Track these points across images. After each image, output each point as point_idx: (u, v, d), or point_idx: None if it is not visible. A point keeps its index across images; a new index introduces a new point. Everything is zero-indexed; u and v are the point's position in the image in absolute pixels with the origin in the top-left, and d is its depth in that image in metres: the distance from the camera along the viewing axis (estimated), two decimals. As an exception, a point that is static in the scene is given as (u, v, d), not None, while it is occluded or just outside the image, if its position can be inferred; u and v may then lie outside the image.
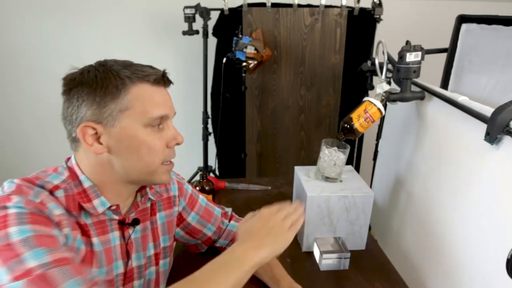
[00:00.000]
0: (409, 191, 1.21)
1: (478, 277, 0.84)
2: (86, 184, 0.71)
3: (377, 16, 1.93)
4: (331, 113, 2.15)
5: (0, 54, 2.26)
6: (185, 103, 2.42)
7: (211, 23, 2.00)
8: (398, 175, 1.30)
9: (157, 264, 0.86)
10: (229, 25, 1.95)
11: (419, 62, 1.06)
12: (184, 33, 1.95)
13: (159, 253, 0.86)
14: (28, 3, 2.18)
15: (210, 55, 2.05)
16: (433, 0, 2.36)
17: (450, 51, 1.32)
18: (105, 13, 2.25)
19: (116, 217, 0.75)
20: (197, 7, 1.92)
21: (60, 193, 0.68)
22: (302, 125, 2.17)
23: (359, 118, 1.07)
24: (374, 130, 1.59)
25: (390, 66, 1.19)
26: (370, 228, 1.19)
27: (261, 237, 0.71)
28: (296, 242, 1.18)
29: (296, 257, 1.12)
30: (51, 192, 0.67)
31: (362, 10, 1.95)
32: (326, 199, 1.08)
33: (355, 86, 2.04)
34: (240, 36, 1.80)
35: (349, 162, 1.40)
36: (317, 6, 1.95)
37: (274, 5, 1.94)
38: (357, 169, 2.07)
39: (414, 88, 1.15)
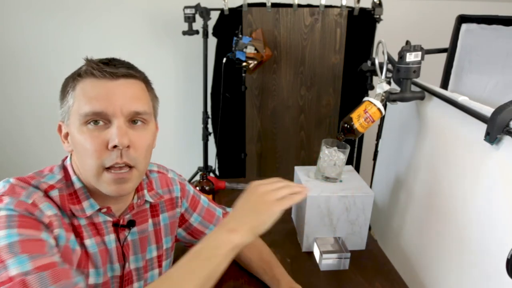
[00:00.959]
0: (409, 191, 1.21)
1: (478, 277, 0.84)
2: (77, 185, 0.71)
3: (377, 16, 1.93)
4: (331, 113, 2.15)
5: (0, 54, 2.26)
6: (185, 103, 2.42)
7: (211, 23, 2.00)
8: (398, 175, 1.30)
9: (160, 266, 0.85)
10: (229, 25, 1.95)
11: (419, 62, 1.06)
12: (184, 33, 1.95)
13: (162, 255, 0.85)
14: (28, 3, 2.18)
15: (210, 55, 2.05)
16: (433, 0, 2.36)
17: (450, 51, 1.32)
18: (105, 13, 2.24)
19: (110, 219, 0.74)
20: (197, 7, 1.92)
21: (55, 193, 0.68)
22: (302, 125, 2.17)
23: (359, 118, 1.07)
24: (374, 130, 1.59)
25: (390, 66, 1.19)
26: (370, 228, 1.19)
27: (239, 216, 0.67)
28: (296, 242, 1.19)
29: (296, 257, 1.12)
30: (46, 192, 0.67)
31: (362, 10, 1.95)
32: (326, 199, 1.08)
33: (355, 86, 2.04)
34: (240, 36, 1.80)
35: (349, 162, 1.40)
36: (317, 6, 1.95)
37: (274, 5, 1.94)
38: (357, 169, 2.07)
39: (414, 88, 1.15)
